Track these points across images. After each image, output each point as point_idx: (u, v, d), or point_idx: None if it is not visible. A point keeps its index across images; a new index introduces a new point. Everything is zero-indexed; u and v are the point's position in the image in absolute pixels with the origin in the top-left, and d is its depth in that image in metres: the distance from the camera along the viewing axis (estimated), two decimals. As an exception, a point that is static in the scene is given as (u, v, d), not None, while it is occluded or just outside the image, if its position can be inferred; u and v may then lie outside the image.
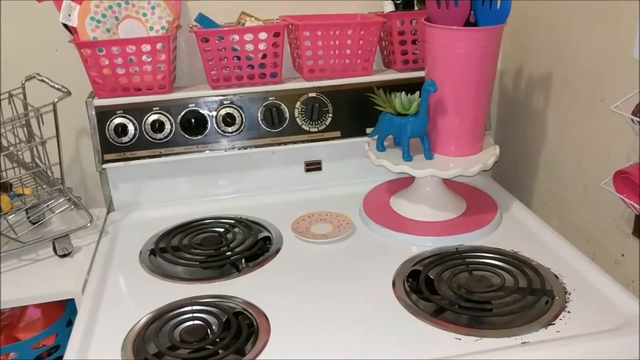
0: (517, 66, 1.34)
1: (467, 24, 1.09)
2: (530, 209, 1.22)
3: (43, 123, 1.04)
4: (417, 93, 1.12)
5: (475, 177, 1.32)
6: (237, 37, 1.18)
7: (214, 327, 0.90)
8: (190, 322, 0.91)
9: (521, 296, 0.93)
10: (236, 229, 1.18)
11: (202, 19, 1.23)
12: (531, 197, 1.34)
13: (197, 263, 1.08)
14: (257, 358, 0.82)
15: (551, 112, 1.23)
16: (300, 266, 1.05)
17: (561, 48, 1.17)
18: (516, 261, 1.02)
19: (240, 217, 1.22)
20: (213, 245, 1.13)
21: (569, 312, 0.89)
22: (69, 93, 1.05)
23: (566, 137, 1.19)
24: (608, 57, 1.04)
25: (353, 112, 1.28)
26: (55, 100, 1.04)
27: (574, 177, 1.18)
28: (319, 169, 1.34)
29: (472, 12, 1.09)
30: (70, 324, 1.15)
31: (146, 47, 1.15)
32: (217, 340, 0.87)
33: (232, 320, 0.90)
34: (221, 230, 1.19)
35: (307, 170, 1.34)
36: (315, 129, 1.28)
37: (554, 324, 0.87)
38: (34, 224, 1.21)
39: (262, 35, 1.19)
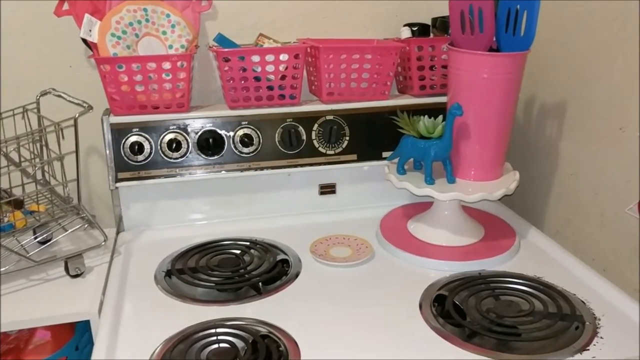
0: (528, 95, 1.36)
1: (490, 50, 1.10)
2: (542, 236, 1.23)
3: (63, 138, 1.01)
4: (440, 117, 1.12)
5: (487, 204, 1.32)
6: (257, 58, 1.18)
7: (241, 351, 0.87)
8: (216, 345, 0.88)
9: (552, 321, 0.92)
10: (253, 251, 1.16)
11: (222, 39, 1.22)
12: (542, 225, 1.34)
13: (215, 285, 1.05)
14: (291, 382, 0.80)
15: (565, 141, 1.24)
16: (322, 290, 1.03)
17: (577, 78, 1.19)
18: (542, 286, 1.02)
19: (256, 240, 1.20)
20: (230, 267, 1.10)
21: (601, 337, 0.89)
22: (90, 108, 1.03)
23: (582, 165, 1.20)
24: (628, 87, 1.06)
25: (370, 136, 1.28)
26: (77, 115, 1.01)
27: (590, 205, 1.18)
28: (333, 192, 1.33)
29: (494, 39, 1.10)
30: (77, 348, 1.10)
31: (166, 65, 1.14)
32: (247, 363, 0.84)
33: (260, 343, 0.87)
34: (238, 252, 1.16)
35: (322, 193, 1.32)
36: (332, 152, 1.27)
37: (588, 349, 0.86)
38: (41, 243, 1.17)
39: (283, 57, 1.19)
